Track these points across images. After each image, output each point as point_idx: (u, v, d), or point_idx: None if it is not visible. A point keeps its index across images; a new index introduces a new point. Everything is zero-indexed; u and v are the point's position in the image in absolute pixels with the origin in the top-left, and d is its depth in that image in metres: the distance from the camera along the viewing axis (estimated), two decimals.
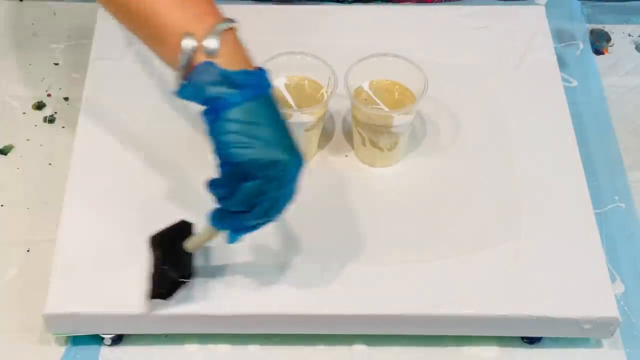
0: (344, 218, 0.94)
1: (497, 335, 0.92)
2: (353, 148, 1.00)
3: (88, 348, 0.91)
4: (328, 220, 0.94)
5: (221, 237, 0.83)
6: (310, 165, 0.98)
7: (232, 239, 0.82)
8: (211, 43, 0.76)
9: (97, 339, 0.91)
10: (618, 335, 0.92)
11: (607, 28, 1.23)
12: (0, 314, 0.92)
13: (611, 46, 1.21)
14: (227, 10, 1.12)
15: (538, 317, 0.88)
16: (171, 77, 0.79)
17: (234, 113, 0.76)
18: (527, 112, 1.03)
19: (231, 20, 0.79)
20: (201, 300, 0.88)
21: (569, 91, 1.08)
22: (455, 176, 0.98)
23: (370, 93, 0.97)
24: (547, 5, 1.16)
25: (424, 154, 1.00)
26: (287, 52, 0.97)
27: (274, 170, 0.76)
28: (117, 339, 0.91)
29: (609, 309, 0.89)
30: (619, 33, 1.22)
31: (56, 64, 1.15)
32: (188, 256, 0.87)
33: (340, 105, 1.02)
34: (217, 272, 0.89)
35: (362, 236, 0.93)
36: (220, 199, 0.79)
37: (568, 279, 0.90)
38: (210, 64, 0.76)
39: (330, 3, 1.17)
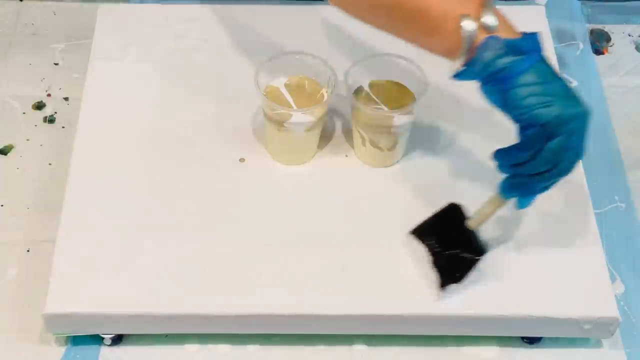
0: (344, 218, 0.94)
1: (497, 335, 0.92)
2: (353, 148, 1.00)
3: (88, 348, 0.91)
4: (328, 220, 0.94)
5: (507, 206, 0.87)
6: (310, 165, 0.98)
7: (523, 204, 0.86)
8: (490, 20, 0.80)
9: (97, 339, 0.91)
10: (618, 335, 0.92)
11: (607, 28, 1.23)
12: (0, 314, 0.92)
13: (611, 46, 1.21)
14: (228, 10, 1.12)
15: (538, 317, 0.88)
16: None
17: (529, 77, 0.79)
18: None
19: None
20: (201, 301, 0.88)
21: None
22: (455, 176, 0.98)
23: (370, 93, 0.97)
24: (547, 5, 1.16)
25: (424, 154, 1.00)
26: (287, 52, 0.98)
27: (575, 123, 0.80)
28: (117, 339, 0.91)
29: (609, 309, 0.89)
30: (619, 33, 1.22)
31: (56, 64, 1.15)
32: (473, 234, 0.89)
33: (340, 105, 1.02)
34: (217, 272, 0.89)
35: (362, 236, 0.93)
36: (518, 165, 0.82)
37: (568, 279, 0.90)
38: (495, 38, 0.79)
39: None
